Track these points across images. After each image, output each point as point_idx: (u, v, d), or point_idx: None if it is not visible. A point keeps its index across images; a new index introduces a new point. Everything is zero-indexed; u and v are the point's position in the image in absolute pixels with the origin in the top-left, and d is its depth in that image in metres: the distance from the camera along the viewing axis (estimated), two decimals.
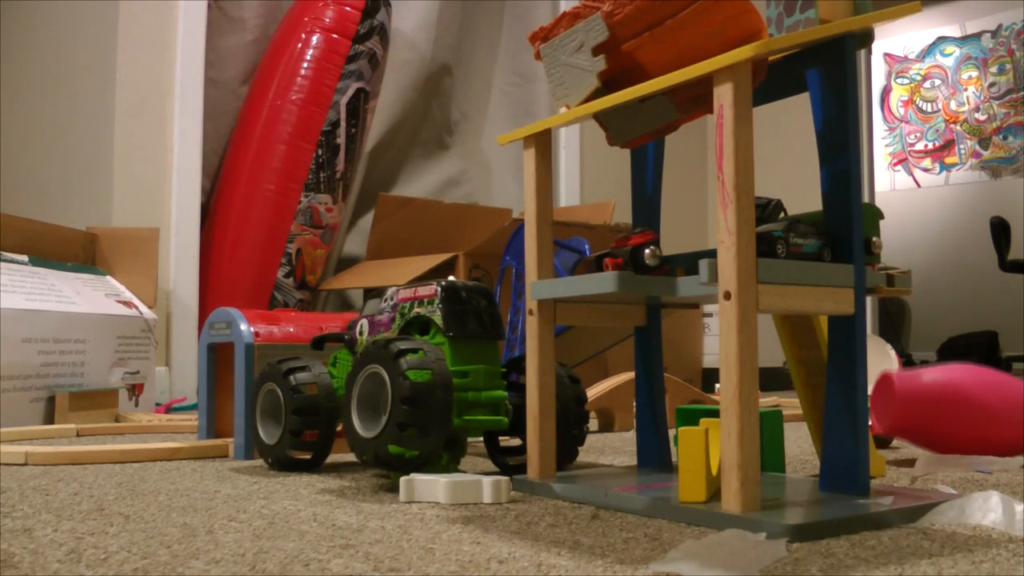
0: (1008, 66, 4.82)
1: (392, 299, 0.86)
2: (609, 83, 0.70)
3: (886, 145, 5.18)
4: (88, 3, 2.21)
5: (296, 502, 0.71)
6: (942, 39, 5.05)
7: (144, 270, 1.92)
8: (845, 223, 0.66)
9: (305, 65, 2.23)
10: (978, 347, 3.97)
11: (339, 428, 0.90)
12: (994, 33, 4.90)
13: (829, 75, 0.67)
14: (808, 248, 0.65)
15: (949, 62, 5.03)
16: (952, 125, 4.99)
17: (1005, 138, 4.81)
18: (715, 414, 0.76)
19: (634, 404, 0.88)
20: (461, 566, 0.49)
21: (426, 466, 0.75)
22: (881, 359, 1.23)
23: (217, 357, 1.09)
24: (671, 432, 0.82)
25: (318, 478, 0.85)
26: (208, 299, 2.19)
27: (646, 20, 0.66)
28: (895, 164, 5.15)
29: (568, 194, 2.98)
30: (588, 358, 1.73)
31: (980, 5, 4.93)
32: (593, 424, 1.43)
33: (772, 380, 2.61)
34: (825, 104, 0.68)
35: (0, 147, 2.36)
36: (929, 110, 5.09)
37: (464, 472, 0.75)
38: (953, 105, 5.00)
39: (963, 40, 4.99)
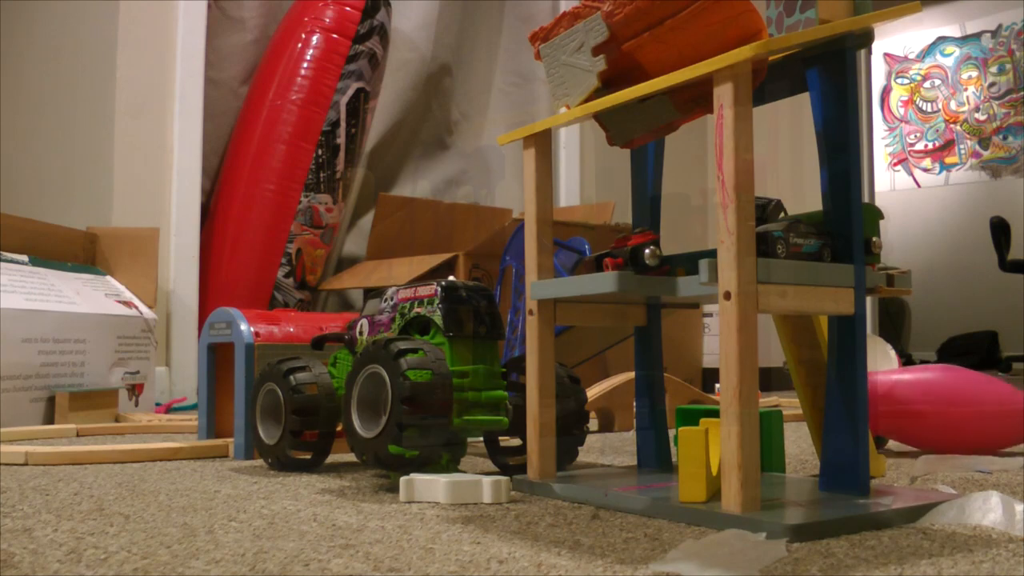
0: (1008, 66, 4.82)
1: (392, 299, 0.86)
2: (609, 83, 0.70)
3: (886, 145, 5.17)
4: (88, 3, 2.21)
5: (296, 502, 0.71)
6: (942, 39, 5.05)
7: (144, 270, 1.92)
8: (845, 223, 0.66)
9: (305, 65, 2.23)
10: (978, 347, 3.96)
11: (339, 428, 0.90)
12: (994, 33, 4.89)
13: (829, 75, 0.67)
14: (808, 248, 0.65)
15: (949, 62, 5.03)
16: (952, 125, 4.99)
17: (1005, 138, 4.81)
18: (715, 414, 0.76)
19: (634, 404, 0.88)
20: (461, 566, 0.49)
21: (426, 466, 0.75)
22: (881, 359, 1.23)
23: (217, 357, 1.09)
24: (671, 432, 0.82)
25: (318, 478, 0.85)
26: (208, 299, 2.19)
27: (646, 20, 0.66)
28: (895, 164, 5.15)
29: (568, 194, 2.98)
30: (588, 358, 1.73)
31: (980, 5, 4.92)
32: (593, 424, 1.43)
33: (772, 380, 2.61)
34: (825, 104, 0.68)
35: (0, 147, 2.36)
36: (929, 110, 5.08)
37: (464, 472, 0.75)
38: (953, 105, 5.00)
39: (963, 40, 4.99)
